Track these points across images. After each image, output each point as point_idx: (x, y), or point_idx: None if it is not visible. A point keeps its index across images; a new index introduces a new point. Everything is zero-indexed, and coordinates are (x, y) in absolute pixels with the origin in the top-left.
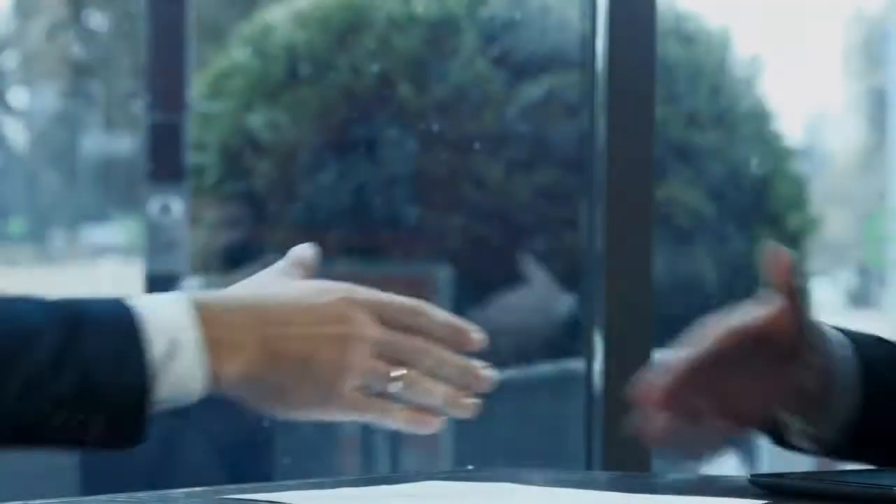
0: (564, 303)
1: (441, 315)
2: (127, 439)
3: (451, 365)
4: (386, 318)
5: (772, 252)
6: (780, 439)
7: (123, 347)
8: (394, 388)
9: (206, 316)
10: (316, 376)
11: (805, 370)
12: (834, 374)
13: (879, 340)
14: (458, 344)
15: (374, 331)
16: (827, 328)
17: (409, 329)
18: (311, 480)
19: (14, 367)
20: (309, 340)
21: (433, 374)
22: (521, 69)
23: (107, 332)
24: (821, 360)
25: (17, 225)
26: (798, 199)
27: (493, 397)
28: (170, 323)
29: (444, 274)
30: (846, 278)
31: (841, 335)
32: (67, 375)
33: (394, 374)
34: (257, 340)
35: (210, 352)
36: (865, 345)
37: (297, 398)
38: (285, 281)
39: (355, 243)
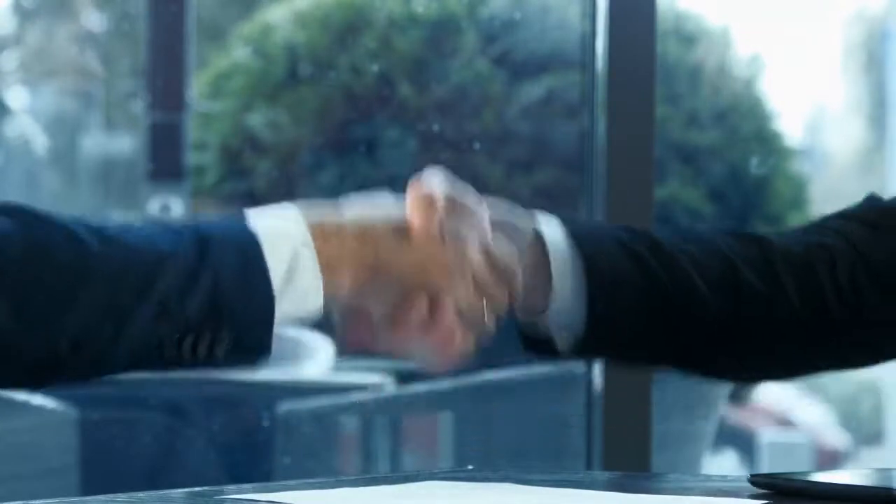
0: None
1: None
2: (253, 356)
3: None
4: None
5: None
6: (526, 344)
7: (249, 267)
8: (490, 321)
9: (322, 234)
10: (419, 299)
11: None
12: (545, 269)
13: (610, 232)
14: None
15: (478, 265)
16: (549, 227)
17: None
18: (311, 480)
19: (148, 291)
20: (417, 264)
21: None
22: (521, 69)
23: (232, 252)
24: (525, 261)
25: None
26: (798, 199)
27: (494, 397)
28: (290, 242)
29: None
30: None
31: (560, 234)
32: (197, 297)
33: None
34: (366, 258)
35: (325, 269)
36: (590, 239)
37: (401, 319)
38: (398, 203)
39: None
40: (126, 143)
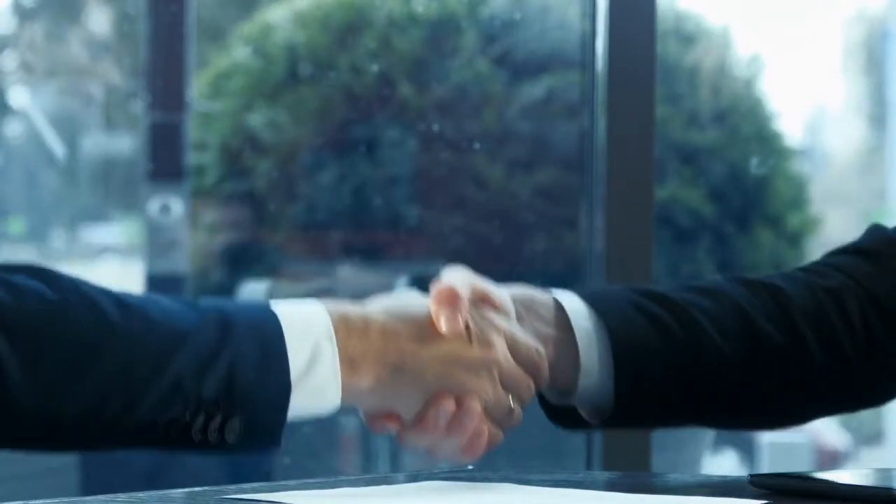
0: None
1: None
2: (263, 443)
3: None
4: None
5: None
6: (551, 415)
7: (268, 354)
8: (517, 413)
9: (345, 328)
10: (445, 399)
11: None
12: (572, 348)
13: (626, 296)
14: None
15: (506, 360)
16: (569, 300)
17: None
18: (311, 480)
19: (164, 367)
20: (442, 362)
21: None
22: (521, 69)
23: (253, 337)
24: (553, 336)
25: (17, 225)
26: (798, 199)
27: None
28: (312, 332)
29: None
30: None
31: (583, 306)
32: (213, 378)
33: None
34: (390, 357)
35: (345, 364)
36: (610, 309)
37: (427, 419)
38: (422, 300)
39: (356, 243)
40: (126, 143)
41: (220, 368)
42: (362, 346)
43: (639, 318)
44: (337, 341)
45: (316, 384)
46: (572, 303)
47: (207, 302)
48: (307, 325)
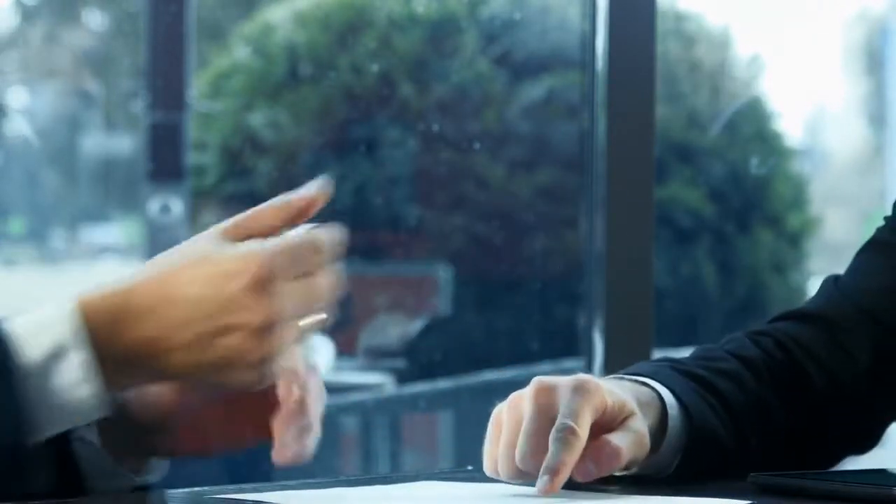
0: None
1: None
2: (15, 473)
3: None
4: (298, 271)
5: None
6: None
7: None
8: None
9: (94, 333)
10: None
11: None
12: (663, 431)
13: (693, 380)
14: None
15: (282, 324)
16: (665, 394)
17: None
18: (310, 480)
19: None
20: (203, 352)
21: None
22: (521, 69)
23: None
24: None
25: (17, 225)
26: (798, 199)
27: (494, 397)
28: (51, 340)
29: (444, 274)
30: None
31: (669, 394)
32: None
33: (303, 323)
34: (149, 357)
35: (100, 370)
36: (686, 393)
37: (207, 386)
38: (197, 264)
39: (356, 243)
40: (126, 143)
41: None
42: (117, 350)
43: (703, 405)
44: (87, 349)
45: (61, 395)
46: (666, 394)
47: None
48: (47, 333)
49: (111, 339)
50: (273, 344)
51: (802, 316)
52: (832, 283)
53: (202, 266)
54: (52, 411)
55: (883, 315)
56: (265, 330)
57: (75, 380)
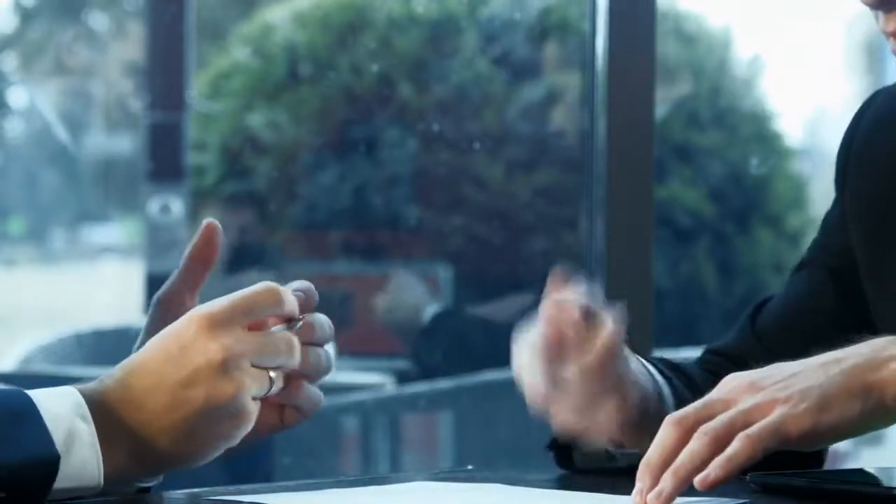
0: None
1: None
2: None
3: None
4: (251, 323)
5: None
6: (567, 459)
7: (26, 431)
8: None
9: (97, 408)
10: (211, 428)
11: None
12: (654, 402)
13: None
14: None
15: (242, 361)
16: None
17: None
18: (311, 481)
19: None
20: (182, 407)
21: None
22: (521, 69)
23: (6, 415)
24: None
25: (17, 225)
26: (798, 199)
27: (494, 397)
28: (65, 412)
29: (444, 274)
30: None
31: (653, 367)
32: None
33: (272, 375)
34: (140, 427)
35: (104, 444)
36: (671, 370)
37: (207, 446)
38: (153, 342)
39: (356, 243)
40: (126, 143)
41: None
42: (118, 424)
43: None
44: (93, 422)
45: (75, 462)
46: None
47: None
48: (58, 406)
49: (111, 414)
50: (243, 376)
51: (724, 354)
52: (750, 316)
53: (156, 341)
54: (67, 482)
55: (774, 347)
56: (228, 363)
57: (86, 455)
